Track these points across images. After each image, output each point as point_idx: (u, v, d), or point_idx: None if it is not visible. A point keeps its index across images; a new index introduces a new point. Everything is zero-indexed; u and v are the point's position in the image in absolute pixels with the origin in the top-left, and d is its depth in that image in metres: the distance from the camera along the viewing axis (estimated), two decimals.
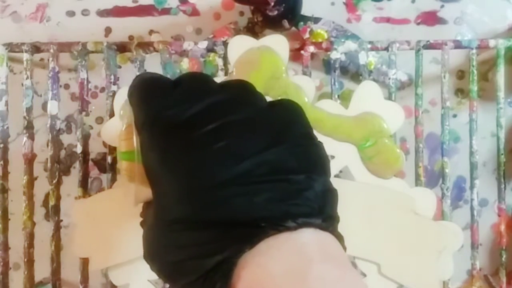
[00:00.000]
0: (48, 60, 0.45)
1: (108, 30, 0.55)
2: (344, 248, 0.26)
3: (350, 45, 0.45)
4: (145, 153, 0.26)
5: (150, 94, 0.26)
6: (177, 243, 0.25)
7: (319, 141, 0.27)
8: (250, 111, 0.26)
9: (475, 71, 0.45)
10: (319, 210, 0.25)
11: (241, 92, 0.27)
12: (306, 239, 0.24)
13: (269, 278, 0.23)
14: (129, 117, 0.29)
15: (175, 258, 0.25)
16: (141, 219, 0.30)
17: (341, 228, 0.27)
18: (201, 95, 0.26)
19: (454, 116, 0.55)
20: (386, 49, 0.45)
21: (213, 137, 0.25)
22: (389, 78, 0.45)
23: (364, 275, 0.41)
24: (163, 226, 0.25)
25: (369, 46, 0.45)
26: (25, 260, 0.43)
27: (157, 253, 0.26)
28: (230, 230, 0.24)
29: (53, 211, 0.43)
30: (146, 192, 0.27)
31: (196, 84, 0.27)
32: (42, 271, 0.45)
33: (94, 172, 0.54)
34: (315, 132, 0.28)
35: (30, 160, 0.44)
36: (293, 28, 0.52)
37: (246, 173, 0.24)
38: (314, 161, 0.26)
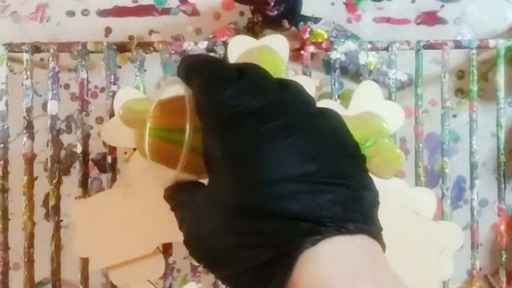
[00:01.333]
0: (48, 60, 0.45)
1: (108, 30, 0.55)
2: None
3: (350, 45, 0.45)
4: (206, 138, 0.27)
5: (216, 80, 0.26)
6: (236, 229, 0.25)
7: (363, 154, 0.29)
8: (308, 113, 0.27)
9: (475, 71, 0.45)
10: (371, 219, 0.26)
11: (299, 92, 0.28)
12: (364, 245, 0.25)
13: (331, 280, 0.24)
14: (165, 95, 0.29)
15: (231, 243, 0.25)
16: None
17: None
18: (267, 88, 0.27)
19: (454, 116, 0.55)
20: (386, 49, 0.45)
21: (281, 133, 0.25)
22: (389, 78, 0.45)
23: None
24: (221, 211, 0.25)
25: (369, 46, 0.45)
26: (25, 260, 0.43)
27: (206, 237, 0.26)
28: (295, 224, 0.24)
29: (53, 211, 0.43)
30: (181, 175, 0.28)
31: (261, 76, 0.27)
32: (42, 271, 0.45)
33: (94, 172, 0.54)
34: None
35: (30, 160, 0.44)
36: (293, 28, 0.52)
37: (311, 173, 0.25)
38: (365, 172, 0.27)
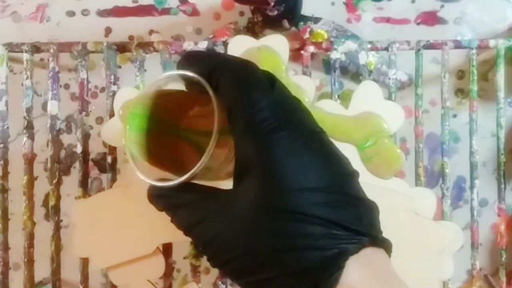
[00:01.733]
0: (48, 60, 0.45)
1: (108, 30, 0.55)
2: None
3: (350, 45, 0.45)
4: (240, 143, 0.27)
5: (252, 87, 0.27)
6: (280, 232, 0.25)
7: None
8: (319, 128, 0.28)
9: (475, 71, 0.45)
10: (381, 231, 0.28)
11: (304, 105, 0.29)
12: (383, 257, 0.27)
13: None
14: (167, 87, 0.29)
15: (272, 246, 0.25)
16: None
17: None
18: (293, 99, 0.28)
19: (454, 116, 0.55)
20: (386, 49, 0.45)
21: (310, 144, 0.26)
22: (389, 78, 0.45)
23: None
24: (260, 214, 0.25)
25: (369, 46, 0.45)
26: (25, 260, 0.43)
27: (237, 241, 0.26)
28: (339, 231, 0.25)
29: (53, 211, 0.43)
30: (158, 174, 0.28)
31: (285, 86, 0.28)
32: (42, 271, 0.45)
33: (94, 172, 0.54)
34: None
35: (30, 160, 0.44)
36: (293, 28, 0.52)
37: (335, 185, 0.26)
38: (364, 191, 0.28)
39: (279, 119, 0.26)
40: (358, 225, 0.26)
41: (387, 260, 0.27)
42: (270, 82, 0.27)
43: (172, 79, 0.29)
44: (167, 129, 0.31)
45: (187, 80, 0.29)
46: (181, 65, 0.29)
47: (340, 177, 0.27)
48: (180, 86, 0.30)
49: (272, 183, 0.25)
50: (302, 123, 0.27)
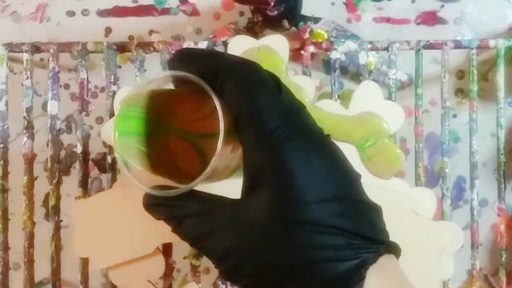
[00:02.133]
0: (48, 60, 0.45)
1: (108, 30, 0.55)
2: None
3: (350, 45, 0.45)
4: (251, 150, 0.26)
5: (260, 92, 0.25)
6: (305, 244, 0.24)
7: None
8: (325, 134, 0.28)
9: (475, 71, 0.45)
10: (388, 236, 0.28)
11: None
12: (397, 263, 0.26)
13: None
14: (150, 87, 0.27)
15: (295, 259, 0.24)
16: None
17: None
18: (299, 105, 0.27)
19: (454, 116, 0.55)
20: (386, 49, 0.45)
21: (327, 150, 0.26)
22: (389, 78, 0.45)
23: None
24: (286, 224, 0.24)
25: (369, 46, 0.45)
26: (25, 260, 0.43)
27: (262, 253, 0.25)
28: (358, 240, 0.25)
29: (53, 211, 0.43)
30: (154, 179, 0.26)
31: (290, 91, 0.27)
32: (42, 271, 0.45)
33: (94, 172, 0.54)
34: None
35: (30, 160, 0.44)
36: (293, 28, 0.52)
37: (348, 193, 0.26)
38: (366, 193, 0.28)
39: (290, 127, 0.25)
40: (373, 232, 0.25)
41: (398, 266, 0.26)
42: (276, 84, 0.26)
43: (168, 79, 0.27)
44: (161, 131, 0.30)
45: (182, 80, 0.27)
46: (174, 63, 0.27)
47: (350, 183, 0.26)
48: (170, 85, 0.28)
49: (290, 195, 0.24)
50: (310, 128, 0.26)
